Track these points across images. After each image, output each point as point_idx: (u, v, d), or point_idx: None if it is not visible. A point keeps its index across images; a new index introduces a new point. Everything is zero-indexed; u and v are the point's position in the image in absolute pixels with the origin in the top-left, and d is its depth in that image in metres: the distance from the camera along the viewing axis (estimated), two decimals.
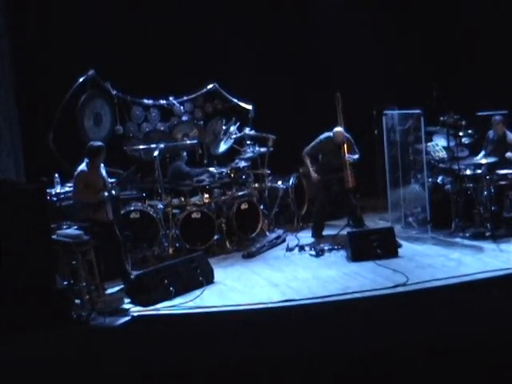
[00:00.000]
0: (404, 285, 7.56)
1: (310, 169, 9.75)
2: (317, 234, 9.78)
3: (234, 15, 10.97)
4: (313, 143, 9.78)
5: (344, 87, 9.80)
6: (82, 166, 8.09)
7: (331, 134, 9.64)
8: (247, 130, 10.33)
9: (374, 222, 10.19)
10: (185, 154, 10.03)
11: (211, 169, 9.99)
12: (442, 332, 5.68)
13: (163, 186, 9.44)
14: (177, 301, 7.60)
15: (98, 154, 8.06)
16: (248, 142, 10.32)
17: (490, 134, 9.70)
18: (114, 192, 8.47)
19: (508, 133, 9.55)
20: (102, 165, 8.21)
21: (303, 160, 9.83)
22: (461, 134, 9.74)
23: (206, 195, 9.75)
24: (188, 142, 9.92)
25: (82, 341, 6.56)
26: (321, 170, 9.73)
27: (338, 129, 9.62)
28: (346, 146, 9.58)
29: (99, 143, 8.21)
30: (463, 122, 9.76)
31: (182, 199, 9.60)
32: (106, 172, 8.36)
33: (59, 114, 9.20)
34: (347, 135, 9.68)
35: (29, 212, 6.97)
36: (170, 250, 9.30)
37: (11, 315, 6.75)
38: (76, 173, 8.09)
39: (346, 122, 9.69)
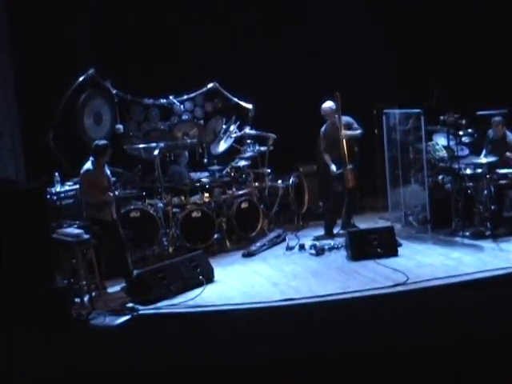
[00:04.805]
0: (404, 284, 7.57)
1: (330, 163, 9.53)
2: (330, 232, 9.73)
3: (234, 15, 10.95)
4: (321, 138, 9.73)
5: (344, 86, 9.79)
6: (88, 165, 8.10)
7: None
8: (247, 129, 10.31)
9: (373, 221, 10.19)
10: (186, 154, 10.03)
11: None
12: (441, 331, 5.69)
13: (163, 185, 9.44)
14: (177, 300, 7.62)
15: (103, 153, 8.08)
16: (248, 141, 10.30)
17: (490, 133, 9.68)
18: (117, 192, 8.48)
19: (508, 133, 9.53)
20: (106, 164, 8.23)
21: (322, 157, 9.72)
22: (461, 133, 9.74)
23: (206, 194, 9.75)
24: (188, 141, 9.92)
25: (82, 340, 6.57)
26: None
27: (324, 104, 9.61)
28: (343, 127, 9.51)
29: (104, 142, 8.22)
30: (463, 121, 9.76)
31: (182, 198, 9.60)
32: (110, 171, 8.37)
33: (59, 113, 9.19)
34: (349, 119, 9.64)
35: (29, 211, 6.97)
36: (170, 249, 9.31)
37: (11, 315, 6.75)
38: (82, 172, 8.11)
39: None
